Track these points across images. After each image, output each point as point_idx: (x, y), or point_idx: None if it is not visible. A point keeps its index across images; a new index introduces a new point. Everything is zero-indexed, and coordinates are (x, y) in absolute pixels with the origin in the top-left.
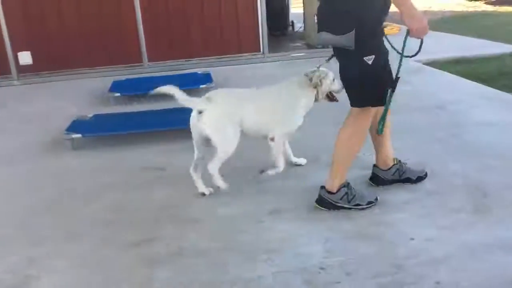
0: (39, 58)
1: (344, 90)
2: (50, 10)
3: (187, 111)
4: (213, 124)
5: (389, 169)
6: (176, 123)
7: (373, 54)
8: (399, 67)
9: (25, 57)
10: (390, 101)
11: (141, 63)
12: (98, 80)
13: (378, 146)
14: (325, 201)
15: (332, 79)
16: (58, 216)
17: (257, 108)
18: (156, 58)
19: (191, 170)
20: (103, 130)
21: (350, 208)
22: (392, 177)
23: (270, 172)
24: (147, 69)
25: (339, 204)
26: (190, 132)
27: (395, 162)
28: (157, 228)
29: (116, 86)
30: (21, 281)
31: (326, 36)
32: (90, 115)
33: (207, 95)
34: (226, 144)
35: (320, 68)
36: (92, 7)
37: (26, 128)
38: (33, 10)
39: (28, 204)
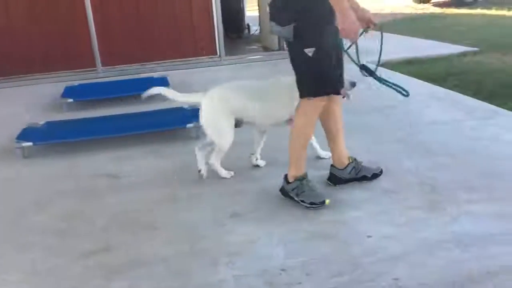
0: None
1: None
2: (11, 18)
3: (140, 117)
4: (207, 118)
5: (345, 168)
6: (129, 129)
7: (314, 47)
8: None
9: None
10: None
11: (95, 68)
12: (51, 86)
13: (332, 146)
14: (283, 189)
15: None
16: (8, 226)
17: (262, 97)
18: (110, 62)
19: (196, 149)
20: (55, 138)
21: (298, 202)
22: (348, 175)
23: None
24: (101, 74)
25: (290, 194)
26: (144, 139)
27: (351, 161)
28: (112, 236)
29: (69, 92)
30: None
31: (273, 26)
32: (42, 122)
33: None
34: (220, 138)
35: None
36: (41, 8)
37: None
38: None
39: None
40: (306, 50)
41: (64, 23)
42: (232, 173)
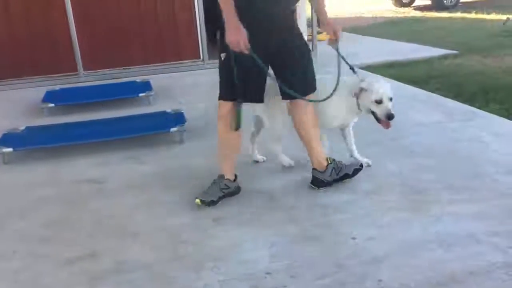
0: None
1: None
2: None
3: (122, 122)
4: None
5: (325, 170)
6: (111, 134)
7: (225, 52)
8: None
9: None
10: (239, 112)
11: (76, 72)
12: (31, 91)
13: (308, 150)
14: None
15: (377, 98)
16: None
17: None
18: (92, 66)
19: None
20: (36, 143)
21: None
22: (330, 177)
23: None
24: (83, 78)
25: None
26: (127, 144)
27: (329, 162)
28: (95, 242)
29: (50, 96)
30: None
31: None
32: (22, 128)
33: None
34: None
35: (368, 79)
36: (19, 10)
37: None
38: None
39: None
40: (221, 54)
41: (44, 27)
42: (293, 162)
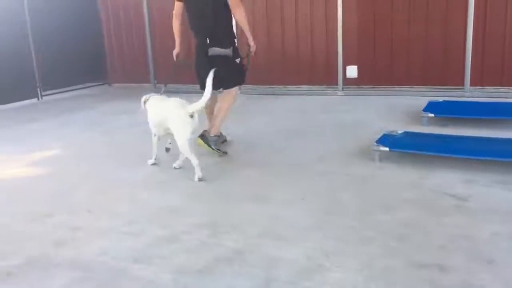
0: (364, 73)
1: None
2: (381, 31)
3: (497, 143)
4: None
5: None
6: (484, 153)
7: (239, 58)
8: None
9: (352, 71)
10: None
11: (462, 86)
12: (414, 99)
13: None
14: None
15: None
16: (354, 220)
17: None
18: (479, 83)
19: None
20: (410, 148)
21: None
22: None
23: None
24: (467, 93)
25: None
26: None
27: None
28: (445, 256)
29: (432, 107)
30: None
31: None
32: (400, 131)
33: None
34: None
35: None
36: (420, 24)
37: (340, 134)
38: (365, 27)
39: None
40: (236, 60)
41: (438, 43)
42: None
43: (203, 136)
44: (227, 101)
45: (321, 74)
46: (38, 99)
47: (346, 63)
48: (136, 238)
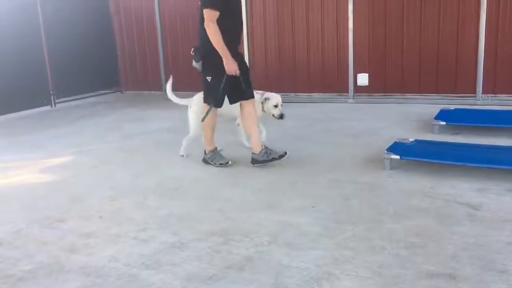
0: (375, 81)
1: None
2: (392, 38)
3: (509, 151)
4: None
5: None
6: (498, 162)
7: (210, 76)
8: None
9: (363, 79)
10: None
11: (474, 94)
12: (425, 107)
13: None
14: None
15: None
16: (366, 227)
17: None
18: (492, 90)
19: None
20: (421, 156)
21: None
22: (262, 158)
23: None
24: (480, 101)
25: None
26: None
27: (262, 147)
28: (458, 265)
29: (443, 115)
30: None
31: None
32: (411, 139)
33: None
34: None
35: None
36: (432, 32)
37: (351, 142)
38: (376, 35)
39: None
40: (207, 77)
41: (450, 50)
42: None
43: (204, 160)
44: (250, 116)
45: (332, 82)
46: (52, 106)
47: (357, 70)
48: (147, 244)
